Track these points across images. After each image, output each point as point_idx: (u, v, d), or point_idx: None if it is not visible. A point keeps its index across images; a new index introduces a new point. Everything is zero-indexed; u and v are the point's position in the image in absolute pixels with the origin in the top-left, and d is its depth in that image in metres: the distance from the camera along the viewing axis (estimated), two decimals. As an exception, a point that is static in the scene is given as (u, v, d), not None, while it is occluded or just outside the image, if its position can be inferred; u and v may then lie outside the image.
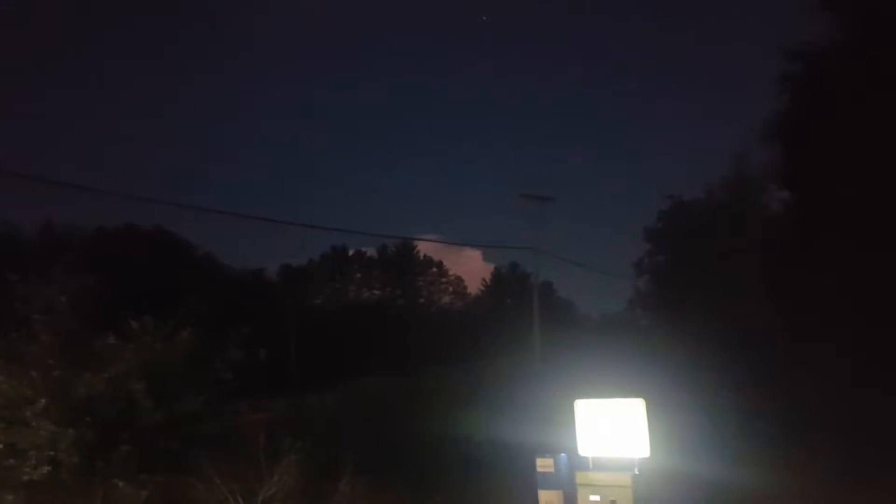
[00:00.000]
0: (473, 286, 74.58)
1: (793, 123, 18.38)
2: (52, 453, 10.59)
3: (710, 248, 21.37)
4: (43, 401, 10.62)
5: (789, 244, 17.98)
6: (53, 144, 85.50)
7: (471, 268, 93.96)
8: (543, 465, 8.99)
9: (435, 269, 75.00)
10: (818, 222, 16.91)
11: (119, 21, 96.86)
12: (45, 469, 10.54)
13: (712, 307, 19.64)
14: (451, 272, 75.65)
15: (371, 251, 72.53)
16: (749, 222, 21.02)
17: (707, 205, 23.50)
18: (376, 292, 70.92)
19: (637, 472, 8.20)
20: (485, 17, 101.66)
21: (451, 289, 75.81)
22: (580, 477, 8.59)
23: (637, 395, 8.46)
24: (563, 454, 8.94)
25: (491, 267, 74.55)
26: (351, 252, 70.94)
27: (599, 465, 8.54)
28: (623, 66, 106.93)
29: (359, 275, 71.84)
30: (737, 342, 17.72)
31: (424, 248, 73.04)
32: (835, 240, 15.78)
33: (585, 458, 8.64)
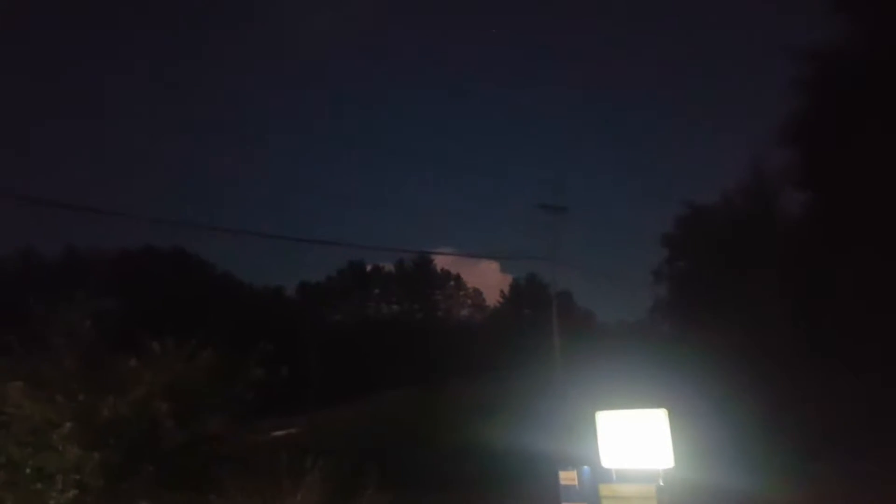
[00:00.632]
0: (492, 298, 74.48)
1: (809, 125, 18.28)
2: (77, 477, 10.68)
3: (730, 253, 21.23)
4: (68, 425, 10.71)
5: (810, 247, 17.83)
6: (72, 168, 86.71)
7: (489, 280, 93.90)
8: (567, 477, 8.93)
9: (453, 282, 75.02)
10: (839, 223, 16.75)
11: (134, 40, 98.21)
12: (72, 493, 10.62)
13: (734, 313, 19.49)
14: (468, 285, 75.65)
15: (388, 266, 72.75)
16: (768, 226, 20.88)
17: (725, 210, 23.37)
18: (395, 307, 71.02)
19: (662, 484, 8.11)
20: (494, 30, 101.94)
21: (469, 301, 75.78)
22: (604, 489, 8.52)
23: (659, 405, 8.38)
24: (585, 467, 8.88)
25: (509, 278, 74.44)
26: (369, 267, 71.19)
27: (623, 477, 8.46)
28: (635, 73, 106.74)
29: (377, 290, 71.99)
30: (759, 348, 17.55)
31: (441, 261, 73.13)
32: (856, 241, 15.62)
33: (608, 469, 8.57)
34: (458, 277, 74.82)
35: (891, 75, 16.04)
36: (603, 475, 8.61)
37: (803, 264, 17.64)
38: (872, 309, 14.99)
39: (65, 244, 49.18)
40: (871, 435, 14.10)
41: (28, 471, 10.74)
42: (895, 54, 16.29)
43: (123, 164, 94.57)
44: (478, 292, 75.47)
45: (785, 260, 18.54)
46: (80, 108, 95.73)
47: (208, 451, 11.66)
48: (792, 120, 18.62)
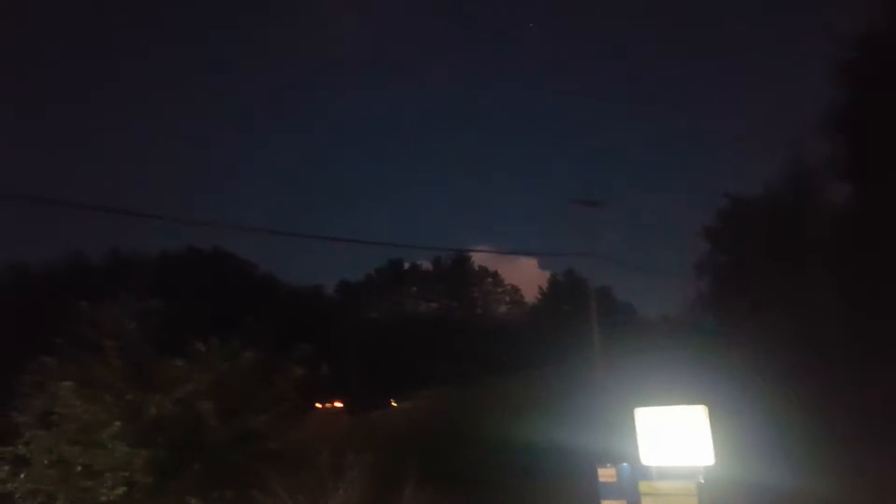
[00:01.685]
0: (530, 294, 74.13)
1: (853, 114, 17.85)
2: (126, 474, 10.99)
3: (773, 246, 20.83)
4: (117, 423, 11.03)
5: (856, 238, 17.43)
6: (113, 171, 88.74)
7: (527, 276, 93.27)
8: (605, 474, 8.92)
9: (491, 280, 74.88)
10: (884, 213, 16.35)
11: (165, 42, 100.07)
12: (121, 490, 10.94)
13: (777, 306, 19.13)
14: (506, 281, 75.43)
15: (426, 264, 72.93)
16: (812, 218, 20.44)
17: (767, 202, 22.92)
18: (433, 305, 71.19)
19: (702, 481, 8.05)
20: (531, 24, 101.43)
21: (507, 298, 75.54)
22: (643, 486, 8.48)
23: (699, 402, 8.32)
24: (624, 464, 8.85)
25: (547, 274, 73.98)
26: (406, 266, 71.49)
27: (663, 474, 8.41)
28: (673, 63, 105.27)
29: (415, 288, 72.25)
30: (804, 341, 17.22)
31: (479, 258, 73.01)
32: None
33: (648, 466, 8.53)
34: (495, 274, 74.65)
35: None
36: (642, 472, 8.58)
37: (848, 255, 17.25)
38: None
39: (110, 246, 50.40)
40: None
41: (78, 468, 11.10)
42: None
43: (162, 166, 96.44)
44: (516, 289, 75.21)
45: (829, 251, 18.14)
46: (115, 113, 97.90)
47: (252, 449, 11.91)
48: (834, 109, 18.21)
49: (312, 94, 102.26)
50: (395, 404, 29.81)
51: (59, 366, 11.54)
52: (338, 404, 27.02)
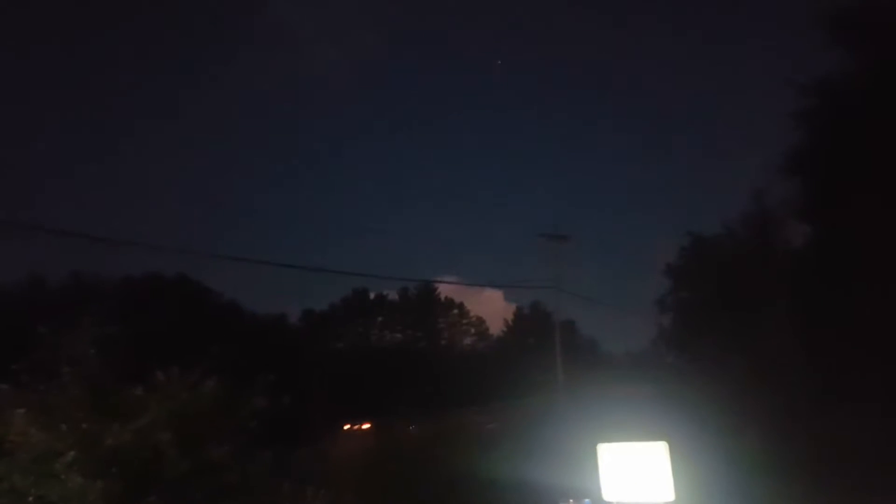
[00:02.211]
0: (495, 327, 74.29)
1: (810, 157, 18.45)
2: (80, 505, 10.70)
3: (734, 284, 21.28)
4: (72, 453, 10.76)
5: (811, 279, 17.90)
6: (72, 194, 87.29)
7: (492, 308, 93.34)
8: (568, 510, 8.96)
9: (456, 311, 74.88)
10: (839, 256, 16.84)
11: (125, 61, 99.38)
12: (74, 521, 10.65)
13: (737, 344, 19.50)
14: (472, 313, 75.51)
15: (392, 294, 72.74)
16: (770, 257, 20.96)
17: (728, 241, 23.47)
18: (398, 335, 70.90)
19: (662, 517, 8.13)
20: (499, 62, 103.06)
21: (472, 330, 75.55)
22: (605, 522, 8.54)
23: (660, 438, 8.43)
24: (587, 500, 8.91)
25: (512, 307, 74.28)
26: (372, 295, 71.18)
27: (624, 510, 8.48)
28: (639, 101, 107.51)
29: (380, 318, 71.91)
30: (763, 377, 17.54)
31: (445, 289, 73.09)
32: (857, 274, 15.70)
33: (610, 502, 8.59)
34: (461, 306, 74.74)
35: (891, 108, 16.25)
36: (604, 508, 8.64)
37: (804, 296, 17.69)
38: (874, 343, 15.02)
39: (70, 271, 49.40)
40: (878, 470, 14.03)
41: (30, 499, 10.77)
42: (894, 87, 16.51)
43: (125, 190, 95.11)
44: (481, 321, 75.35)
45: (786, 292, 18.59)
46: (79, 133, 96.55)
47: (212, 481, 11.67)
48: (793, 151, 18.80)
49: (277, 121, 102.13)
50: (357, 436, 29.48)
51: (14, 392, 11.24)
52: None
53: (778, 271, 19.74)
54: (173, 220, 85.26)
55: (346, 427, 30.25)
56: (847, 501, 13.23)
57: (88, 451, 10.90)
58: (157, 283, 48.35)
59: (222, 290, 54.40)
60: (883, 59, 17.32)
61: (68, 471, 10.68)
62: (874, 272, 15.57)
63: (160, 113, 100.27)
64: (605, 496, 8.61)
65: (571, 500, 8.88)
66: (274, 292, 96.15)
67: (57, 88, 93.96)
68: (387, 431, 26.24)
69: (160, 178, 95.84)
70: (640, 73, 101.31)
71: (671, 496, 8.12)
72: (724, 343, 20.21)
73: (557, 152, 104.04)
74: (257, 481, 12.26)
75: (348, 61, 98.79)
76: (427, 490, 16.21)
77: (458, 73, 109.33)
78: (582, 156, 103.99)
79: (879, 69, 17.22)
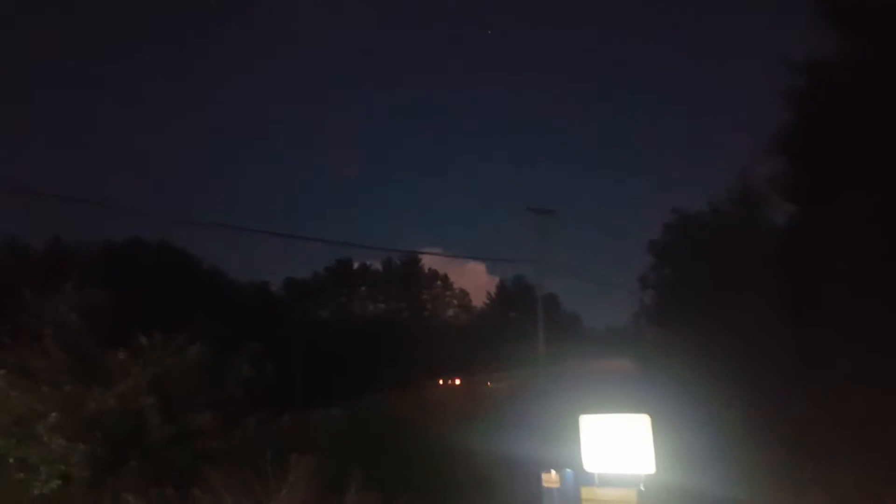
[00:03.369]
0: (478, 299, 74.62)
1: (797, 137, 18.48)
2: (63, 468, 10.70)
3: (717, 262, 21.40)
4: (54, 416, 10.73)
5: (794, 258, 18.03)
6: (56, 158, 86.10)
7: (475, 281, 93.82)
8: (549, 480, 9.05)
9: (440, 283, 75.10)
10: (822, 236, 16.96)
11: (119, 27, 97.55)
12: (56, 483, 10.64)
13: (719, 320, 19.65)
14: (455, 285, 75.76)
15: (376, 264, 72.73)
16: (754, 236, 21.07)
17: (712, 218, 23.55)
18: (381, 306, 71.02)
19: (643, 489, 8.24)
20: (490, 32, 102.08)
21: (455, 302, 75.90)
22: (585, 492, 8.62)
23: (642, 411, 8.51)
24: (568, 470, 9.00)
25: (496, 280, 74.58)
26: (356, 265, 71.13)
27: (605, 481, 8.57)
28: (626, 78, 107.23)
29: (364, 288, 71.96)
30: (744, 355, 17.73)
31: (429, 261, 73.19)
32: (839, 254, 15.83)
33: (591, 473, 8.68)
34: (445, 278, 74.94)
35: (882, 88, 16.27)
36: (585, 479, 8.73)
37: (786, 275, 17.83)
38: (855, 322, 15.20)
39: (51, 235, 48.85)
40: (864, 439, 14.32)
41: (11, 461, 10.75)
42: (884, 70, 16.51)
43: (109, 155, 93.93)
44: (464, 293, 75.64)
45: (768, 270, 18.73)
46: (63, 97, 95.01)
47: (194, 447, 11.70)
48: (780, 130, 18.81)
49: (262, 88, 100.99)
50: (340, 405, 29.61)
51: (-4, 355, 11.18)
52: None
53: (761, 249, 19.86)
54: (156, 186, 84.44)
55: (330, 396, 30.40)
56: (826, 480, 13.48)
57: (71, 415, 10.89)
58: (139, 248, 47.97)
59: (205, 258, 54.16)
60: (874, 40, 17.31)
61: (50, 433, 10.67)
62: (857, 253, 15.71)
63: (143, 76, 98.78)
64: (587, 467, 8.70)
65: (553, 471, 8.96)
66: (258, 260, 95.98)
67: (39, 46, 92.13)
68: (362, 403, 26.32)
69: (143, 143, 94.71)
70: (629, 49, 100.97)
71: (652, 468, 8.22)
72: (705, 320, 20.36)
73: (546, 127, 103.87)
74: (241, 447, 12.30)
75: (342, 32, 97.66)
76: (408, 460, 16.34)
77: (444, 44, 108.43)
78: (573, 131, 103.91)
79: (870, 50, 17.22)
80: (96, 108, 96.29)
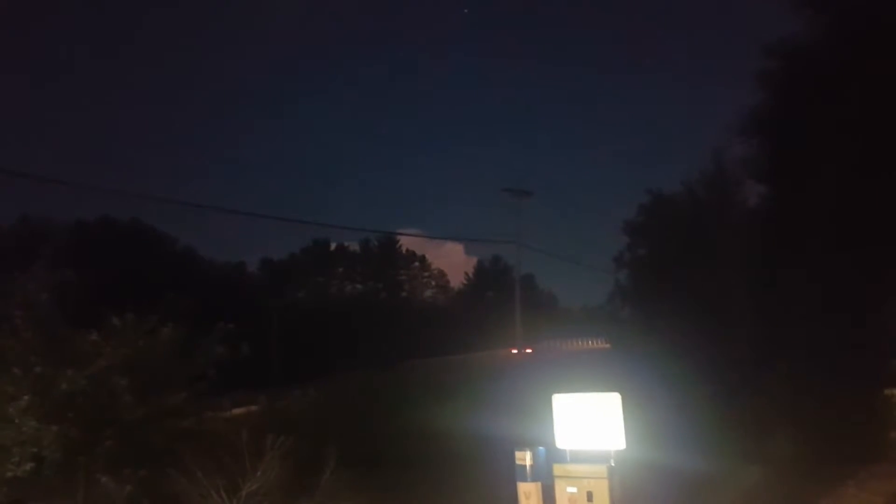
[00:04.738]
0: (456, 280, 74.87)
1: (770, 119, 18.67)
2: (35, 450, 10.61)
3: (690, 242, 21.62)
4: (26, 397, 10.62)
5: (765, 240, 18.29)
6: (26, 136, 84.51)
7: (453, 261, 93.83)
8: (522, 457, 9.16)
9: (417, 263, 75.19)
10: (793, 218, 17.22)
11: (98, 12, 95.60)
12: (29, 465, 10.56)
13: (691, 300, 19.91)
14: (433, 266, 75.89)
15: (353, 245, 72.55)
16: (727, 217, 21.29)
17: (686, 199, 23.73)
18: (359, 286, 70.99)
19: (613, 464, 8.39)
20: (466, 10, 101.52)
21: (433, 282, 76.11)
22: (558, 469, 8.77)
23: (614, 390, 8.64)
24: (541, 447, 9.12)
25: (473, 260, 74.81)
26: (333, 246, 70.89)
27: (577, 458, 8.72)
28: (601, 60, 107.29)
29: (341, 269, 71.83)
30: (715, 334, 18.00)
31: (407, 242, 73.21)
32: (810, 237, 16.10)
33: (563, 450, 8.82)
34: (423, 258, 75.02)
35: (855, 72, 16.45)
36: (558, 455, 8.86)
37: (758, 257, 18.09)
38: (824, 305, 15.51)
39: (19, 213, 48.08)
40: (830, 416, 14.71)
41: (-17, 443, 10.64)
42: (861, 51, 16.68)
43: (80, 133, 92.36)
44: (442, 273, 75.79)
45: (741, 252, 18.97)
46: (37, 73, 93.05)
47: (168, 427, 11.65)
48: (754, 112, 18.97)
49: (238, 66, 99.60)
50: (317, 385, 29.62)
51: (-37, 336, 11.01)
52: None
53: (734, 230, 20.09)
54: (129, 165, 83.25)
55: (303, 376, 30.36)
56: (791, 454, 13.81)
57: (43, 396, 10.77)
58: (111, 227, 47.39)
59: (179, 237, 53.64)
60: (847, 23, 17.49)
61: (22, 415, 10.56)
62: (827, 235, 15.97)
63: (118, 54, 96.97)
64: (559, 444, 8.83)
65: (526, 448, 9.08)
66: (233, 240, 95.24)
67: (22, 24, 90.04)
68: (339, 383, 26.34)
69: (118, 122, 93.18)
70: (606, 29, 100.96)
71: (622, 444, 8.38)
72: (679, 299, 20.61)
73: (523, 108, 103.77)
74: (216, 428, 12.27)
75: (315, 16, 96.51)
76: (384, 439, 16.43)
77: (422, 25, 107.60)
78: (549, 111, 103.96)
79: (844, 32, 17.39)
80: (70, 81, 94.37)
